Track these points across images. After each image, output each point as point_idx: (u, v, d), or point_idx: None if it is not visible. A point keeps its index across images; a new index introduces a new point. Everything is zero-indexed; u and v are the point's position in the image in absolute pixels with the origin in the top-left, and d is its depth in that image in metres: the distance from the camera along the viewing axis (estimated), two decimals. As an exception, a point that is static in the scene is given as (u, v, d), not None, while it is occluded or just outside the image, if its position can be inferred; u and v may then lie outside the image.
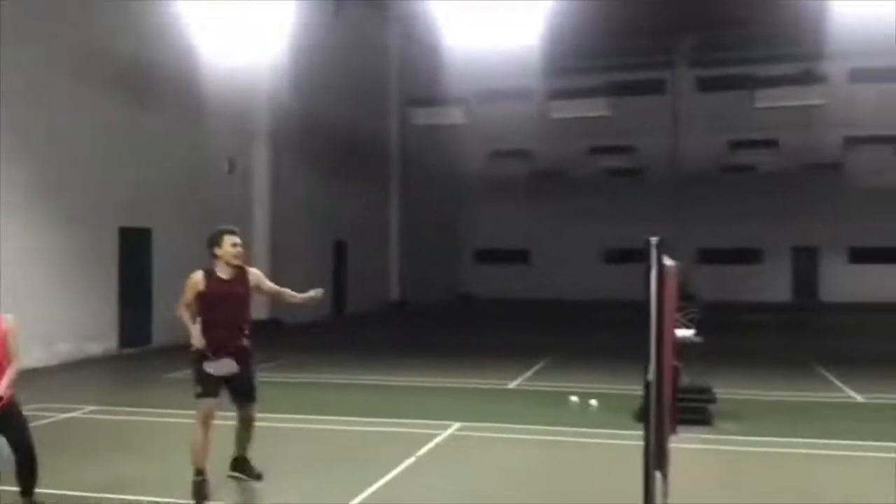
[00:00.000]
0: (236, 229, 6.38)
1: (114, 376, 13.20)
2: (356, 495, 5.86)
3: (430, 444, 7.59)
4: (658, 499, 3.77)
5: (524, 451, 7.65)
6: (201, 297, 6.13)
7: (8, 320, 5.18)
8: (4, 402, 5.09)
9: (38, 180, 13.32)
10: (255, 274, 6.44)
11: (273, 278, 6.76)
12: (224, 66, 17.09)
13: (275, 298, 6.75)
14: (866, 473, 6.75)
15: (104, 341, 14.60)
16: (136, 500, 5.84)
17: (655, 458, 3.75)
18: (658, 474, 3.77)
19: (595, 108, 25.02)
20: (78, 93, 14.08)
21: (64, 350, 13.47)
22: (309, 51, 20.61)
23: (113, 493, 6.01)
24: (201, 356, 6.08)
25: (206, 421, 6.11)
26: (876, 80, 30.47)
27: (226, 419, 6.29)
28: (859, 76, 30.86)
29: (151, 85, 16.00)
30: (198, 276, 6.18)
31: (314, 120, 22.05)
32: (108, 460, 7.00)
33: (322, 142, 22.90)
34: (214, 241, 6.26)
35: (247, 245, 21.14)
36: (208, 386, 6.09)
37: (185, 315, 6.16)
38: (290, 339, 17.81)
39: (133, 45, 15.20)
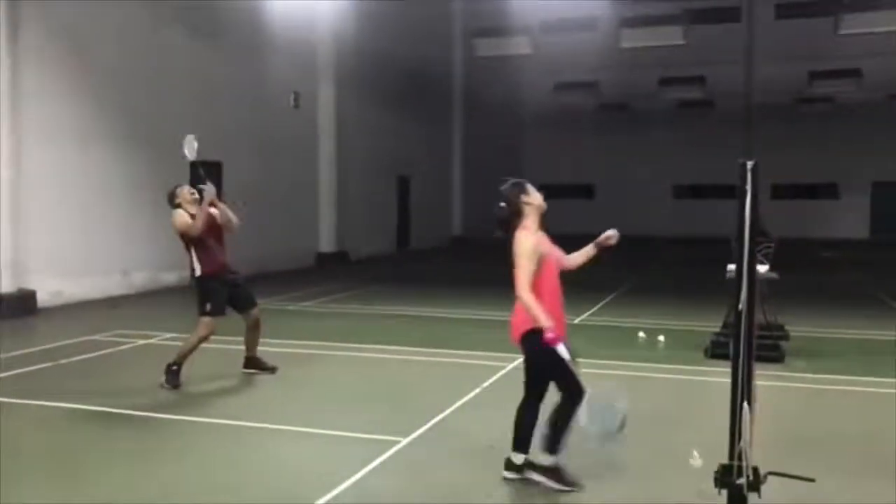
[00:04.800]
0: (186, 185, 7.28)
1: (187, 306, 13.54)
2: (422, 424, 5.94)
3: (496, 377, 7.63)
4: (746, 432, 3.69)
5: (591, 384, 7.60)
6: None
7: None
8: None
9: (117, 116, 13.64)
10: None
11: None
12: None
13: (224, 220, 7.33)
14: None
15: (178, 271, 15.01)
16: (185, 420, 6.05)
17: (744, 389, 3.65)
18: (746, 407, 3.69)
19: (667, 37, 24.01)
20: (158, 32, 14.27)
21: (140, 280, 13.93)
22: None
23: (182, 414, 6.25)
24: (210, 280, 6.97)
25: (208, 335, 7.03)
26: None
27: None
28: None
29: (220, 20, 16.04)
30: (186, 216, 7.00)
31: (378, 54, 21.83)
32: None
33: (386, 76, 22.72)
34: (173, 195, 7.13)
35: (312, 180, 21.05)
36: (218, 306, 7.01)
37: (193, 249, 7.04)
38: (356, 271, 18.05)
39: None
